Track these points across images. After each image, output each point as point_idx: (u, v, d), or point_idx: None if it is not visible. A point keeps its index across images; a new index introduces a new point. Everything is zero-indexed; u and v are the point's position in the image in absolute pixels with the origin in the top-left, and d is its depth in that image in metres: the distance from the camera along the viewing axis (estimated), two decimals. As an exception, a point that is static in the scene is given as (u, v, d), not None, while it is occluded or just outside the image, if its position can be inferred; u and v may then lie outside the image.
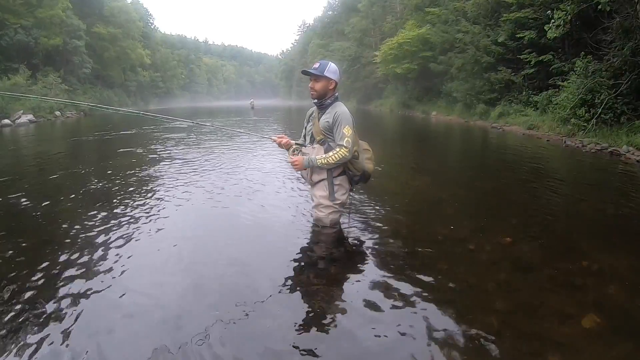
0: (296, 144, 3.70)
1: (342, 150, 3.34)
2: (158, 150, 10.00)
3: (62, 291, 2.80)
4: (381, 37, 41.44)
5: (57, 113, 29.50)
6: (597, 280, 2.97)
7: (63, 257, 3.35)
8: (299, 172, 3.73)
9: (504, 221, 4.40)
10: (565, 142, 11.52)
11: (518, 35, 17.22)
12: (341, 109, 3.45)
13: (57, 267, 3.17)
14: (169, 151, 9.77)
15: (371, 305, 2.59)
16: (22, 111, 25.14)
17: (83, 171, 7.41)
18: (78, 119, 29.97)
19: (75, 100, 34.56)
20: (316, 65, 3.50)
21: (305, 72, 3.53)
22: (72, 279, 2.98)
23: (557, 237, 3.91)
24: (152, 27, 71.88)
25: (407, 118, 27.52)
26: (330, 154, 3.38)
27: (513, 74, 18.23)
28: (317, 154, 3.48)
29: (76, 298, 2.70)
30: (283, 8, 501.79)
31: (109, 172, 7.10)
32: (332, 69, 3.46)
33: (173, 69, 78.61)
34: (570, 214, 4.89)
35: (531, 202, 5.31)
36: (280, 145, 3.74)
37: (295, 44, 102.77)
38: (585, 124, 11.40)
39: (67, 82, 34.41)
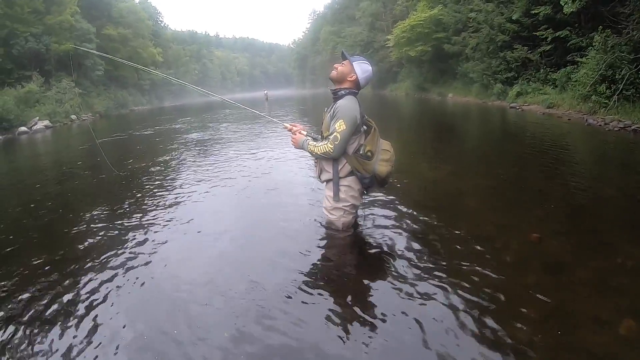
0: (307, 135, 3.56)
1: (327, 145, 3.21)
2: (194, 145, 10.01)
3: (96, 279, 3.30)
4: (393, 20, 40.88)
5: (73, 117, 29.89)
6: (633, 279, 2.79)
7: (95, 250, 3.86)
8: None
9: (529, 214, 4.19)
10: (587, 120, 11.16)
11: (533, 12, 16.73)
12: (344, 102, 3.23)
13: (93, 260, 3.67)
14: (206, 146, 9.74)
15: (390, 314, 2.51)
16: (37, 117, 25.47)
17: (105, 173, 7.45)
18: (94, 121, 30.30)
19: (89, 102, 35.07)
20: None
21: (342, 54, 3.42)
22: (105, 271, 3.43)
23: (586, 230, 3.72)
24: (161, 24, 72.21)
25: (423, 101, 27.08)
26: (319, 144, 3.29)
27: (529, 51, 17.73)
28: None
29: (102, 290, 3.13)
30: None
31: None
32: (363, 67, 3.31)
33: (185, 65, 79.03)
34: (598, 202, 4.64)
35: (556, 190, 5.09)
36: (292, 133, 3.65)
37: (307, 32, 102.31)
38: (606, 101, 11.04)
39: (80, 86, 34.74)
